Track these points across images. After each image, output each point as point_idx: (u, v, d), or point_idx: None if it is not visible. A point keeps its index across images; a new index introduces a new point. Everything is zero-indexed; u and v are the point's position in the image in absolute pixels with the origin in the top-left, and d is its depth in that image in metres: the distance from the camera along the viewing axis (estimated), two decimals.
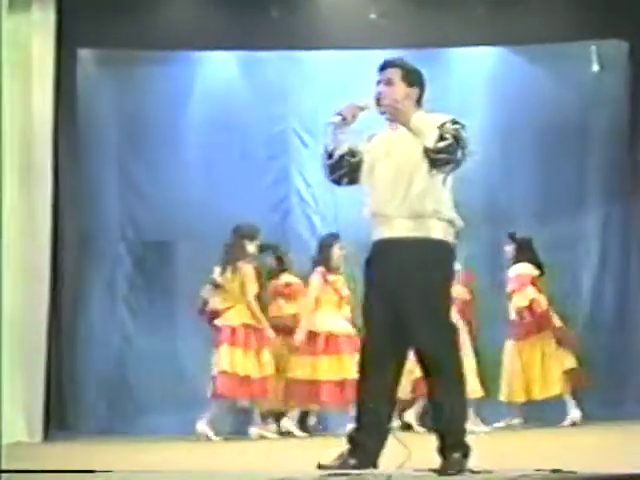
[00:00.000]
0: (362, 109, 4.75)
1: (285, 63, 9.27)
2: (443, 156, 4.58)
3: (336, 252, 8.31)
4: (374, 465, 4.52)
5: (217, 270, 8.23)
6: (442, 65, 9.33)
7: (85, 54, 8.96)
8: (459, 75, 9.34)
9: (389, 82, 4.75)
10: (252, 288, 8.16)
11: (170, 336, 8.81)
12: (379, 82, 4.78)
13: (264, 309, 8.30)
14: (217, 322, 8.16)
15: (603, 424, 8.11)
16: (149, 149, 9.29)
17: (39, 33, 8.37)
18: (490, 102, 9.32)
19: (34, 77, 8.32)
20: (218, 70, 9.40)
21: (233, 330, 8.09)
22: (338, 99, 9.45)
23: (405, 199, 4.57)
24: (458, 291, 8.14)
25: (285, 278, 8.60)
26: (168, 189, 9.19)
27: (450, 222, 4.65)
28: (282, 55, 9.19)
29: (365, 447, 4.55)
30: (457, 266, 8.11)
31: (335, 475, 4.42)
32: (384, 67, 4.82)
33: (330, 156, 4.75)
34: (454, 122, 4.68)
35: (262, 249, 8.40)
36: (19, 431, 7.92)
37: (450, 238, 4.65)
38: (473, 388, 7.83)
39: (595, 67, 9.08)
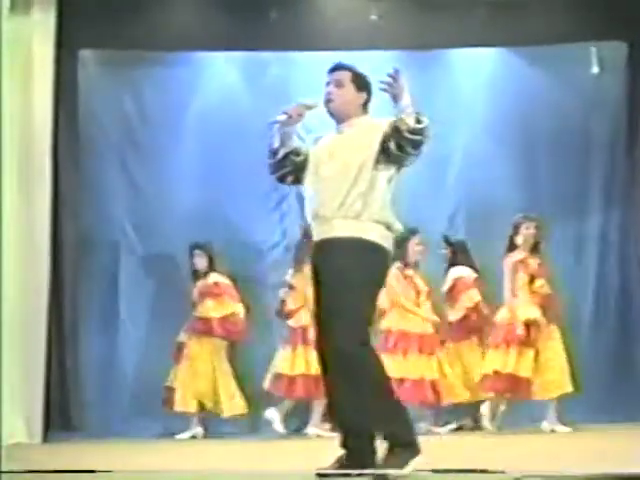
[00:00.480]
0: (309, 108, 4.81)
1: (286, 64, 9.27)
2: (418, 137, 4.67)
3: (413, 247, 8.36)
4: (373, 466, 4.52)
5: (290, 271, 8.50)
6: (442, 66, 9.39)
7: (86, 55, 8.96)
8: (459, 76, 9.37)
9: (339, 83, 4.82)
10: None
11: (172, 337, 8.79)
12: (328, 83, 4.85)
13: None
14: (290, 323, 8.41)
15: (601, 427, 8.12)
16: (150, 150, 9.28)
17: (40, 34, 8.36)
18: (490, 103, 9.32)
19: (35, 78, 8.31)
20: (219, 71, 9.40)
21: (304, 330, 8.27)
22: None
23: (345, 200, 4.61)
24: (539, 284, 8.21)
25: (214, 278, 8.62)
26: (168, 190, 9.19)
27: (388, 226, 4.70)
28: (283, 56, 9.20)
29: (362, 450, 4.56)
30: (537, 260, 8.22)
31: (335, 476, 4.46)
32: (334, 69, 4.89)
33: (275, 154, 4.80)
34: (394, 120, 4.73)
35: (192, 248, 8.66)
36: (19, 432, 7.93)
37: (387, 243, 4.70)
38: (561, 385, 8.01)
39: (595, 69, 9.09)
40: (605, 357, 8.92)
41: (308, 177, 4.80)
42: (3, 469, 4.93)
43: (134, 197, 9.17)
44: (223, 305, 8.56)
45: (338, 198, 4.63)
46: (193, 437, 8.44)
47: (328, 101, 4.81)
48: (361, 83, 4.87)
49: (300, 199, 9.11)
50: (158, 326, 8.94)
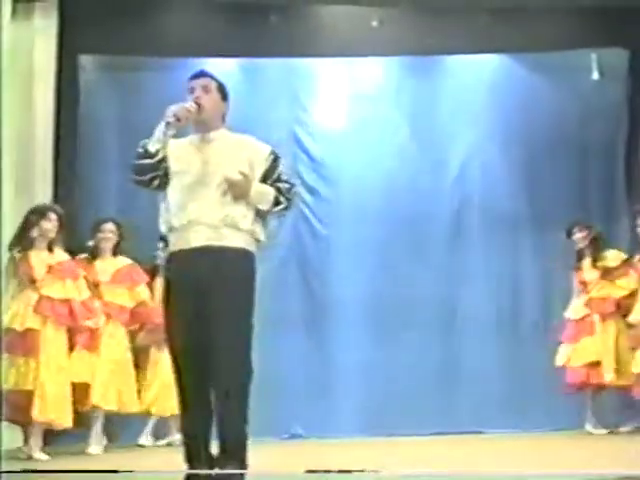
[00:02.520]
0: (190, 112, 4.66)
1: (287, 69, 9.27)
2: (275, 215, 4.74)
3: None
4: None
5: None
6: (443, 72, 9.39)
7: (87, 60, 8.99)
8: (460, 82, 9.36)
9: (207, 89, 4.76)
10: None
11: None
12: (193, 89, 4.76)
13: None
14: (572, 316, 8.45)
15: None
16: None
17: (41, 40, 8.40)
18: (490, 109, 9.34)
19: (36, 83, 8.34)
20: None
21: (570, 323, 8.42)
22: (340, 105, 9.54)
23: (221, 209, 4.58)
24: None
25: (62, 254, 7.33)
26: None
27: (251, 233, 4.65)
28: (284, 62, 9.19)
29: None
30: None
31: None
32: (199, 75, 4.83)
33: (152, 156, 4.62)
34: (276, 155, 4.76)
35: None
36: (18, 436, 7.90)
37: (252, 247, 4.66)
38: None
39: (595, 75, 9.12)
40: None
41: (177, 183, 4.65)
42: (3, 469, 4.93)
43: (135, 201, 9.11)
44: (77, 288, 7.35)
45: (215, 207, 4.58)
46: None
47: (199, 106, 4.68)
48: (224, 93, 4.83)
49: (302, 203, 9.13)
50: None
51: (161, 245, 7.86)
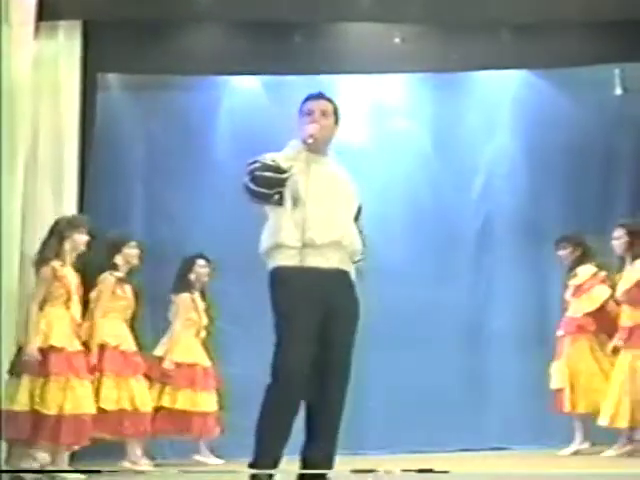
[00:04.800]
0: (319, 134, 4.69)
1: (310, 86, 9.19)
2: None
3: None
4: None
5: None
6: (466, 88, 9.39)
7: (111, 79, 9.03)
8: (483, 99, 9.38)
9: (326, 113, 4.80)
10: None
11: None
12: (311, 110, 4.78)
13: None
14: None
15: None
16: (173, 173, 9.27)
17: (65, 58, 8.42)
18: (514, 126, 9.36)
19: (60, 102, 8.35)
20: (243, 95, 9.41)
21: None
22: (364, 121, 9.53)
23: (348, 234, 4.69)
24: None
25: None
26: (193, 213, 9.17)
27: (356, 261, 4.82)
28: (307, 79, 9.18)
29: None
30: None
31: None
32: (319, 97, 4.86)
33: (283, 172, 4.58)
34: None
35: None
36: None
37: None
38: None
39: (618, 90, 9.11)
40: None
41: (304, 202, 4.62)
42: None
43: (159, 218, 9.14)
44: None
45: (351, 234, 4.71)
46: None
47: (319, 129, 4.70)
48: (338, 117, 4.87)
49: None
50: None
51: (202, 262, 8.40)
